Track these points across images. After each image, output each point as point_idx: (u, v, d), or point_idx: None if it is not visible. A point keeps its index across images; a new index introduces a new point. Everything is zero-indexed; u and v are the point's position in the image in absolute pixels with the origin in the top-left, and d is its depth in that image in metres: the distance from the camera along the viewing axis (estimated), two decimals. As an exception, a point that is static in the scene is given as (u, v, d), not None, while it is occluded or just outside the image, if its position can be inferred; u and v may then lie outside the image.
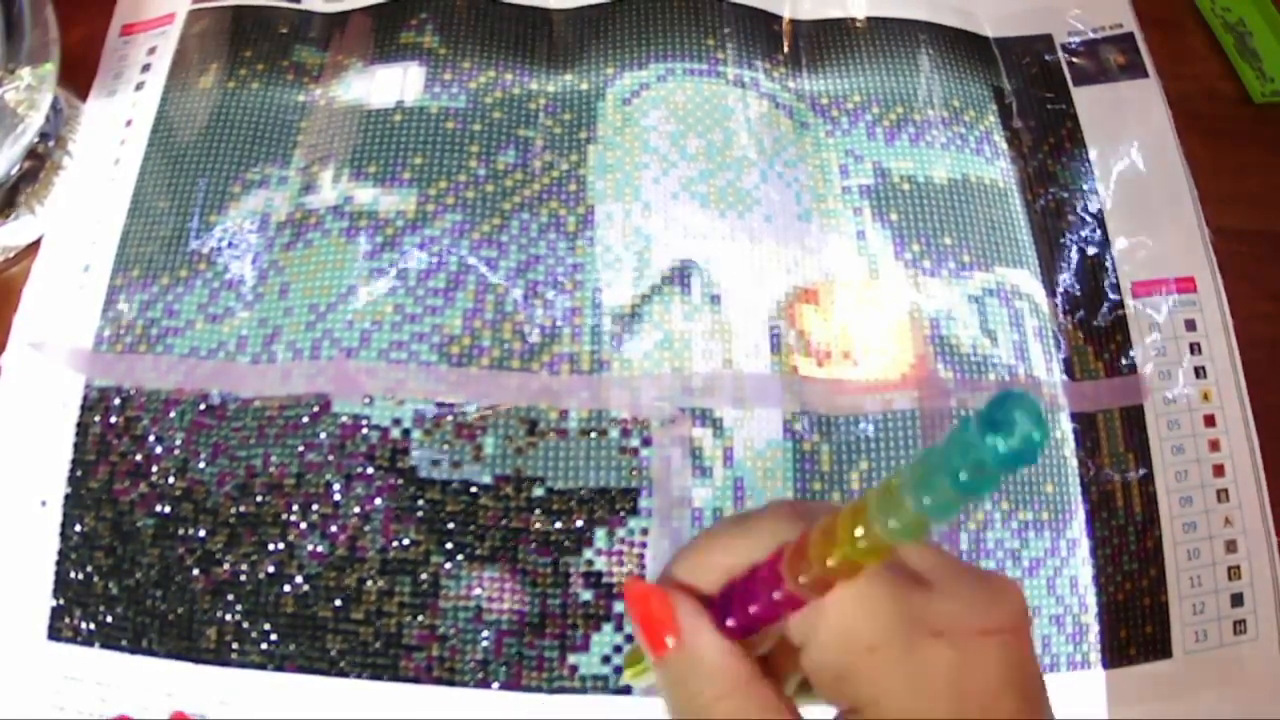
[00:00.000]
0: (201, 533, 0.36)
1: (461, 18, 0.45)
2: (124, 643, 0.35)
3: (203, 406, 0.38)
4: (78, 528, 0.37)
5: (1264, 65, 0.48)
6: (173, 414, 0.38)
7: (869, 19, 0.46)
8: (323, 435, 0.37)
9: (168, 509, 0.37)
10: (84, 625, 0.35)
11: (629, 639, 0.35)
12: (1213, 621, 0.37)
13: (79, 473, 0.37)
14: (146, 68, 0.45)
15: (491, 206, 0.41)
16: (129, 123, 0.43)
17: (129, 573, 0.36)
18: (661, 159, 0.42)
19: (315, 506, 0.36)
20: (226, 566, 0.36)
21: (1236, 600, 0.38)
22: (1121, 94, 0.46)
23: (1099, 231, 0.43)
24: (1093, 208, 0.43)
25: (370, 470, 0.37)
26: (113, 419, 0.38)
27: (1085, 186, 0.44)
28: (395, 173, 0.41)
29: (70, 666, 0.35)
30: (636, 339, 0.39)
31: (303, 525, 0.36)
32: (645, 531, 0.37)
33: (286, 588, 0.36)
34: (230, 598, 0.36)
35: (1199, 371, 0.41)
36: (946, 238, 0.42)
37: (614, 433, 0.38)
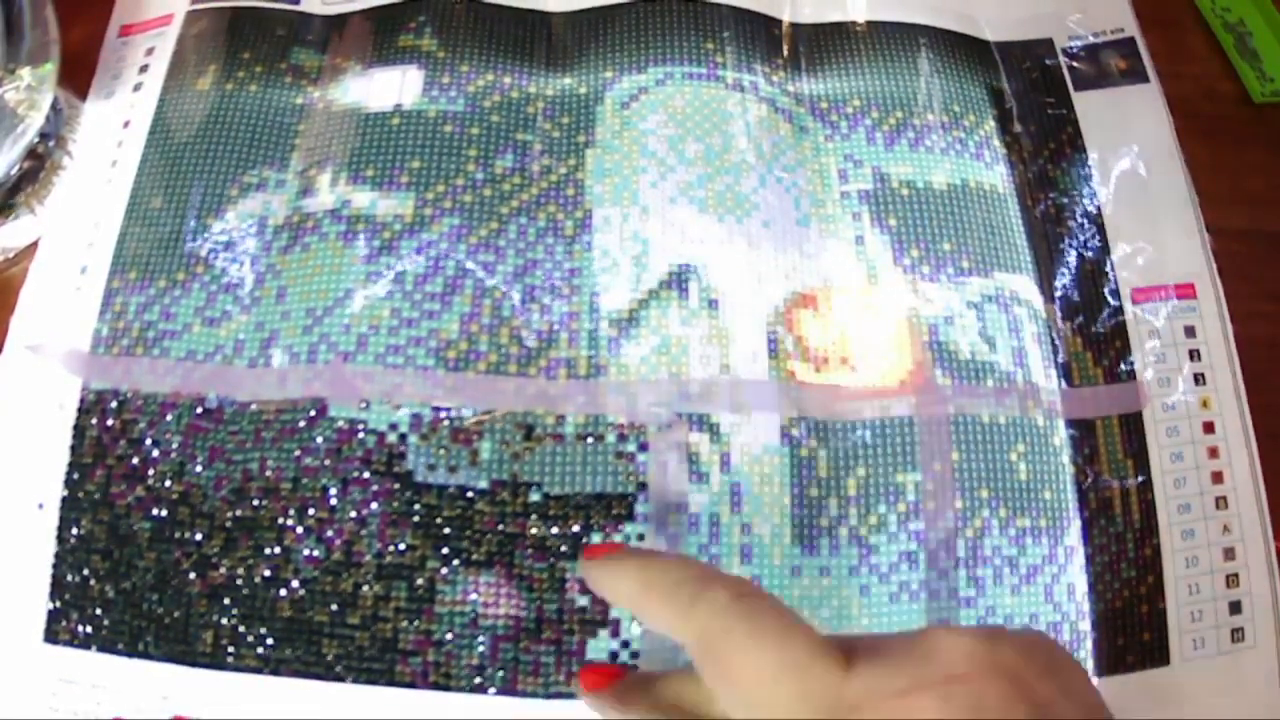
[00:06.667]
0: (198, 536, 0.36)
1: (460, 21, 0.44)
2: (120, 646, 0.35)
3: (199, 410, 0.38)
4: (74, 530, 0.37)
5: (1264, 65, 0.48)
6: (169, 417, 0.38)
7: (869, 22, 0.46)
8: (319, 439, 0.37)
9: (164, 512, 0.37)
10: (80, 628, 0.36)
11: (613, 655, 0.35)
12: (1211, 629, 0.37)
13: (76, 475, 0.37)
14: (144, 68, 0.44)
15: (489, 210, 0.41)
16: (126, 124, 0.43)
17: (126, 576, 0.36)
18: (660, 163, 0.42)
19: (311, 511, 0.36)
20: (223, 570, 0.36)
21: (1235, 608, 0.38)
22: (1122, 99, 0.45)
23: (1098, 237, 0.43)
24: (1092, 213, 0.43)
25: (366, 475, 0.37)
26: (110, 422, 0.38)
27: (1085, 192, 0.44)
28: (393, 176, 0.41)
29: (66, 669, 0.35)
30: (634, 344, 0.39)
31: (299, 529, 0.36)
32: (642, 537, 0.37)
33: (282, 592, 0.36)
34: (226, 601, 0.36)
35: (1198, 378, 0.40)
36: (945, 243, 0.42)
37: (610, 438, 0.37)
